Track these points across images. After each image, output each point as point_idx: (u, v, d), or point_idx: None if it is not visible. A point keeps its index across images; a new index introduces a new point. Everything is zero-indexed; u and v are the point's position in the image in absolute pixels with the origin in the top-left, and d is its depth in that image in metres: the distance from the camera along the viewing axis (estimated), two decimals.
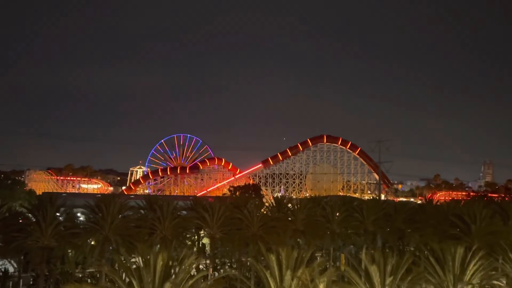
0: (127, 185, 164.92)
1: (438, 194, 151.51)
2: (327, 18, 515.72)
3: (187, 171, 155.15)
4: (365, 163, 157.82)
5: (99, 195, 61.08)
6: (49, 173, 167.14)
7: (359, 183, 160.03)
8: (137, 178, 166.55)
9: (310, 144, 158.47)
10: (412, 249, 52.21)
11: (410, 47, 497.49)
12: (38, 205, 38.92)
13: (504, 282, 28.87)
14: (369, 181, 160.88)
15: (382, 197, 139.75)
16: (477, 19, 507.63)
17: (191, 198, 65.27)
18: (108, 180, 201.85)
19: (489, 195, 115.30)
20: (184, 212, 49.42)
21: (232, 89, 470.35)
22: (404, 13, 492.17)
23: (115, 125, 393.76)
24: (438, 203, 69.51)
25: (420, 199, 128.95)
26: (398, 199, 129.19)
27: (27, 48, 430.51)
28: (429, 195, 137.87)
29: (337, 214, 53.11)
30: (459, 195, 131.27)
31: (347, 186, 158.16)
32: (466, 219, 44.18)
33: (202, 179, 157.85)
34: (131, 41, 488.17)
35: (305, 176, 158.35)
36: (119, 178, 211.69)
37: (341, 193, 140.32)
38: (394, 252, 35.23)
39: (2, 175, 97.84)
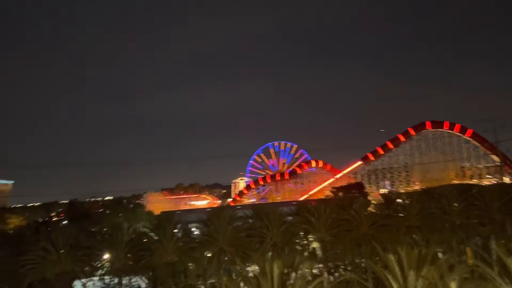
0: (232, 197, 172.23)
1: None
2: None
3: (286, 177, 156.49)
4: (479, 145, 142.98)
5: (209, 209, 64.16)
6: (163, 193, 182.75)
7: (475, 168, 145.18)
8: (240, 189, 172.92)
9: (413, 133, 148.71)
10: None
11: None
12: (158, 224, 42.19)
13: None
14: (487, 164, 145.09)
15: (507, 180, 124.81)
16: None
17: (294, 203, 65.19)
18: (215, 194, 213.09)
19: None
20: (290, 217, 49.43)
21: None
22: None
23: (211, 141, 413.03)
24: None
25: None
26: None
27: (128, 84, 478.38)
28: None
29: (455, 204, 48.53)
30: None
31: (461, 173, 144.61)
32: None
33: (302, 183, 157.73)
34: None
35: (412, 168, 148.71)
36: (224, 191, 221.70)
37: (455, 182, 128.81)
38: None
39: (125, 200, 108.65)
